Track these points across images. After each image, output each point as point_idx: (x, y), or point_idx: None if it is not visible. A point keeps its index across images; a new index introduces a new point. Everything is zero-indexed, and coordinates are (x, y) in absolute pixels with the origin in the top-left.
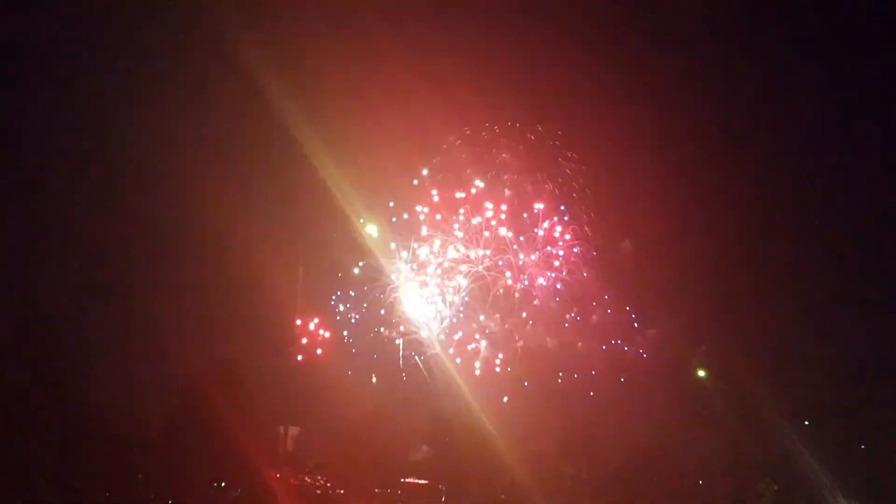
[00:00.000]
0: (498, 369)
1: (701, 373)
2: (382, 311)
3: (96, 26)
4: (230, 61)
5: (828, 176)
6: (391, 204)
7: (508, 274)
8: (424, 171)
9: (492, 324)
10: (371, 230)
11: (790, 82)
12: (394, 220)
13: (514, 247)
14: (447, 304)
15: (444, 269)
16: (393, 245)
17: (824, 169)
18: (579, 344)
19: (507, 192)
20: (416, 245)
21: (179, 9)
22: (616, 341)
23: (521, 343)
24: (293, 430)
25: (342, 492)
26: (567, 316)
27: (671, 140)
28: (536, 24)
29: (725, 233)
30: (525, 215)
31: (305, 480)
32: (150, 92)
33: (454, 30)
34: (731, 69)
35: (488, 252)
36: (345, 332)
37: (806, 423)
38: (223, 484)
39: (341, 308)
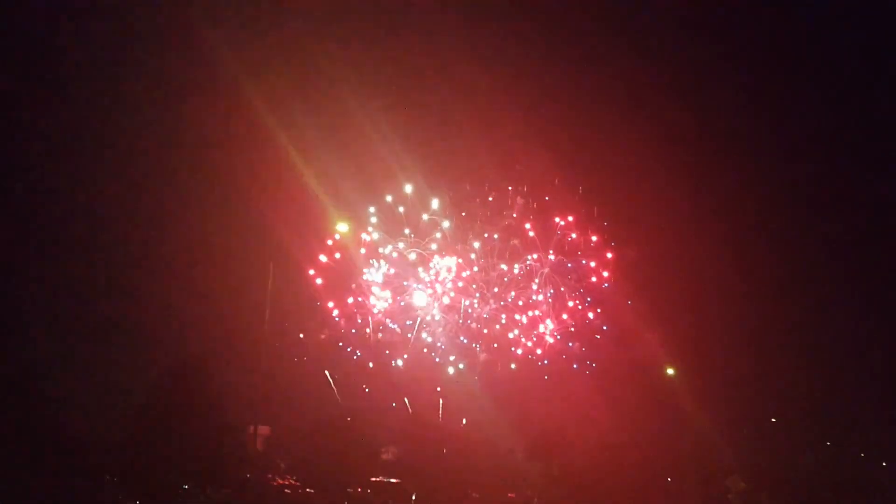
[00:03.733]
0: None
1: (670, 371)
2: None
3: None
4: (219, 64)
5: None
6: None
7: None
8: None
9: (474, 325)
10: (342, 227)
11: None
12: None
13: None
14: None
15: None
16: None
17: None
18: (570, 345)
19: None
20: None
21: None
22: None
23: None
24: (263, 430)
25: (312, 491)
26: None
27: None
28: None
29: (708, 241)
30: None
31: (276, 480)
32: (124, 89)
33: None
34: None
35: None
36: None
37: (773, 420)
38: (192, 484)
39: None
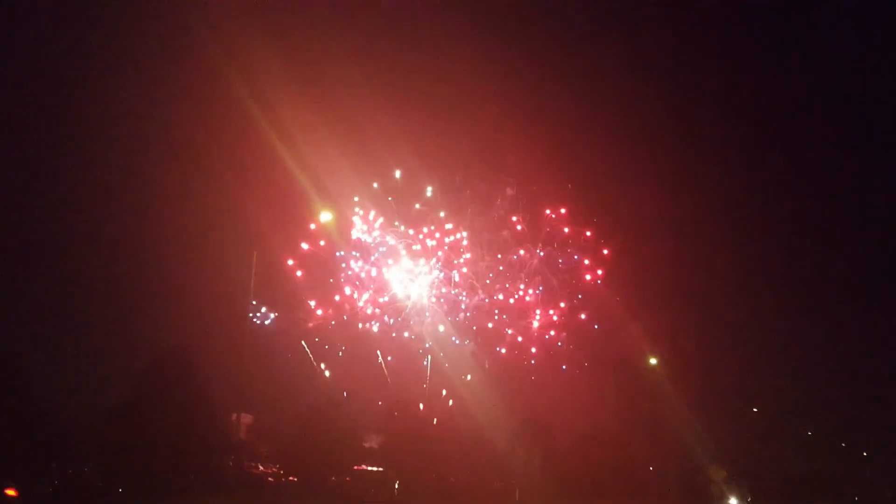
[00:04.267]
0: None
1: (653, 361)
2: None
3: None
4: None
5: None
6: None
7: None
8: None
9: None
10: (326, 217)
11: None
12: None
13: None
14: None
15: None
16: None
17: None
18: (559, 344)
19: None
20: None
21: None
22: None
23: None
24: (246, 418)
25: (295, 479)
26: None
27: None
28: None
29: (694, 236)
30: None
31: (258, 468)
32: (99, 78)
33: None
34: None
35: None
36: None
37: (755, 410)
38: (175, 472)
39: None
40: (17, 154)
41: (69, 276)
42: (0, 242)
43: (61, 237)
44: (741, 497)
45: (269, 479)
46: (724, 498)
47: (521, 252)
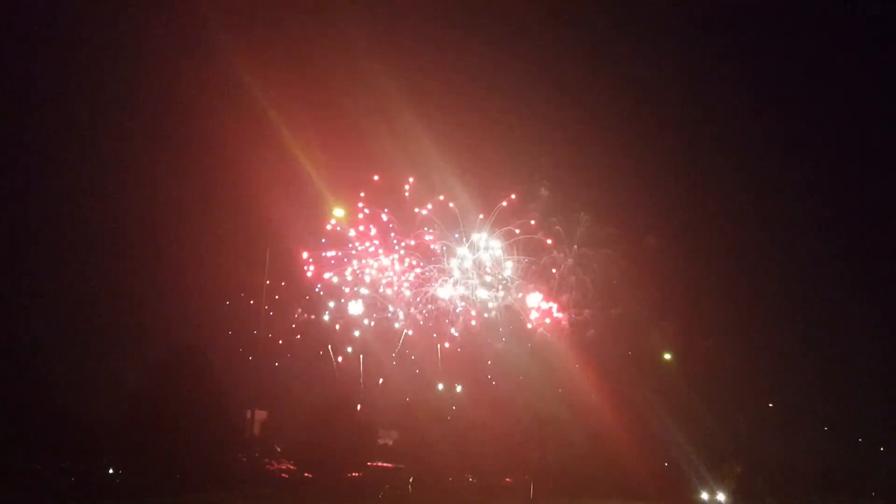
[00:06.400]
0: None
1: (667, 356)
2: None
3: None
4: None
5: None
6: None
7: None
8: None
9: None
10: (339, 212)
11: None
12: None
13: None
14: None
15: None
16: None
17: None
18: (591, 331)
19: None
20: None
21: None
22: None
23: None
24: (260, 415)
25: (310, 476)
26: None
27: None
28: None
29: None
30: None
31: (273, 465)
32: (112, 79)
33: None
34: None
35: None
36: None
37: (770, 405)
38: (189, 468)
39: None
40: (38, 155)
41: (84, 274)
42: (20, 243)
43: (81, 237)
44: (757, 492)
45: (284, 475)
46: (740, 493)
47: (554, 252)
